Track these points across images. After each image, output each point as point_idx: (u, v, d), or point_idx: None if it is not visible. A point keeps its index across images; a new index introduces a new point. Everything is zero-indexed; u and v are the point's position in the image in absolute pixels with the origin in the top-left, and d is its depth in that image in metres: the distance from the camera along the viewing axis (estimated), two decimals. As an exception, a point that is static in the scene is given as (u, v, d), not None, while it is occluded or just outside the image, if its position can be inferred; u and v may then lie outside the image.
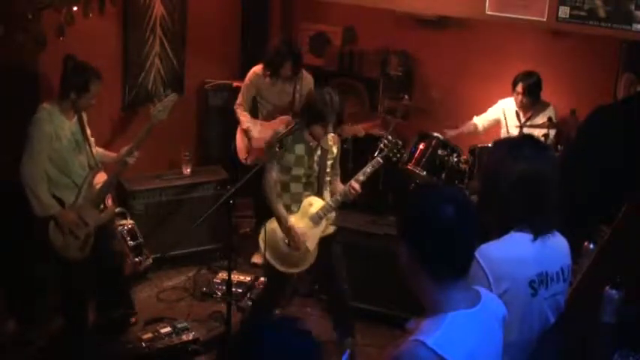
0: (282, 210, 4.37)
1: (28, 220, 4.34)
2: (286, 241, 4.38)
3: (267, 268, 4.58)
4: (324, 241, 4.48)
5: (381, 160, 4.44)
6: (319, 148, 4.39)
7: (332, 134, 4.42)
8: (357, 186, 4.34)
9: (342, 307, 4.67)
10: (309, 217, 4.39)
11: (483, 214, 2.35)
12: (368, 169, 4.39)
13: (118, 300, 4.91)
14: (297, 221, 4.38)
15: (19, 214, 4.39)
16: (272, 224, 4.42)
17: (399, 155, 4.55)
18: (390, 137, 4.56)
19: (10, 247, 4.67)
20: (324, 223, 4.43)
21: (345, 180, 4.52)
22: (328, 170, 4.46)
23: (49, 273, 4.64)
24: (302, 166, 4.36)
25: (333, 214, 4.47)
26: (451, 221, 1.95)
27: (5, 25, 4.45)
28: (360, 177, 4.36)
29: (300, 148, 4.35)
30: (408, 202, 2.12)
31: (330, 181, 4.52)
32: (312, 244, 4.42)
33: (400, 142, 4.55)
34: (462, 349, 1.93)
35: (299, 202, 4.41)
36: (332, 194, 4.48)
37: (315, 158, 4.39)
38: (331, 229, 4.51)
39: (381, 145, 4.52)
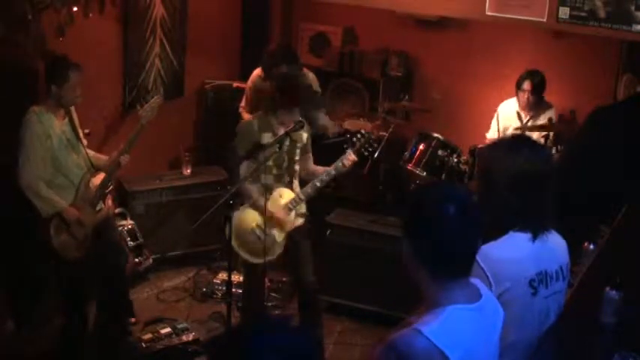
0: (255, 193, 4.35)
1: (27, 220, 4.34)
2: (256, 231, 4.35)
3: (243, 267, 4.61)
4: (293, 234, 4.47)
5: (352, 154, 4.36)
6: (287, 137, 4.28)
7: (301, 118, 4.38)
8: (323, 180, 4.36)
9: (308, 304, 4.61)
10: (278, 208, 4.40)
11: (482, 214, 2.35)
12: (339, 162, 4.36)
13: (117, 302, 4.90)
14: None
15: (19, 214, 4.39)
16: (238, 215, 4.39)
17: (370, 149, 4.47)
18: (363, 131, 4.48)
19: (10, 247, 4.66)
20: (293, 214, 4.42)
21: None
22: (297, 158, 4.42)
23: (49, 273, 4.64)
24: (270, 155, 4.29)
25: (303, 206, 4.46)
26: (452, 221, 1.94)
27: (5, 26, 4.45)
28: (332, 171, 4.36)
29: (267, 137, 4.28)
30: (411, 199, 2.11)
31: (299, 168, 4.47)
32: (280, 235, 4.42)
33: (373, 136, 4.48)
34: (457, 342, 1.93)
35: (269, 193, 4.37)
36: (310, 175, 4.47)
37: (284, 148, 4.30)
38: (300, 221, 4.49)
39: (354, 139, 4.47)
